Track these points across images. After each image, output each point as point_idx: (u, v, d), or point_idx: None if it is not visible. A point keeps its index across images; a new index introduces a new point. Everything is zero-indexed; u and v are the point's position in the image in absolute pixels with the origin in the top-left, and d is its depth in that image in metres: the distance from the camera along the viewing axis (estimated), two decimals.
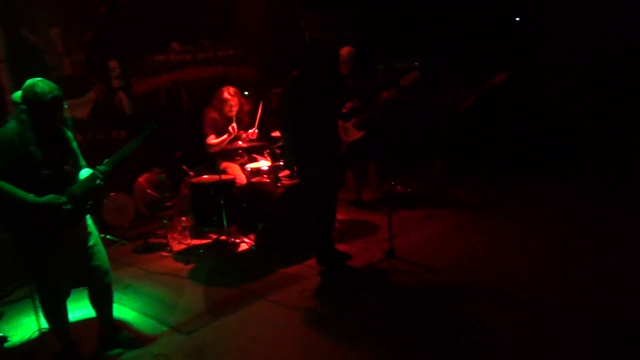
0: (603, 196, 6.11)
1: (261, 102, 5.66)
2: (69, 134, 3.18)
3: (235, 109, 5.55)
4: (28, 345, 3.62)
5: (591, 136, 7.66)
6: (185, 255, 5.16)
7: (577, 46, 7.72)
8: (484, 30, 7.75)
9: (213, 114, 5.54)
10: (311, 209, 4.49)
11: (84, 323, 3.85)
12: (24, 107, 2.91)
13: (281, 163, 5.30)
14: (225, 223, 5.05)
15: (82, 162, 3.28)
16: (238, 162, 5.77)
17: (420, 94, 6.03)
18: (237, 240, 5.32)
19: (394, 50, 7.71)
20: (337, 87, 4.51)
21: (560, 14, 7.88)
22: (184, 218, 5.78)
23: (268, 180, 5.30)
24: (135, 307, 4.11)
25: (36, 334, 3.65)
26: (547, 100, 8.15)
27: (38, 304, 3.28)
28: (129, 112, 6.47)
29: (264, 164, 5.59)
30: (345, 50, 5.75)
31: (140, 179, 6.01)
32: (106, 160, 3.10)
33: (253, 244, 5.24)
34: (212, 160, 5.43)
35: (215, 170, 5.19)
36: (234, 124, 5.46)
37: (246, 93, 5.97)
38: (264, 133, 5.72)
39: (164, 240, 5.46)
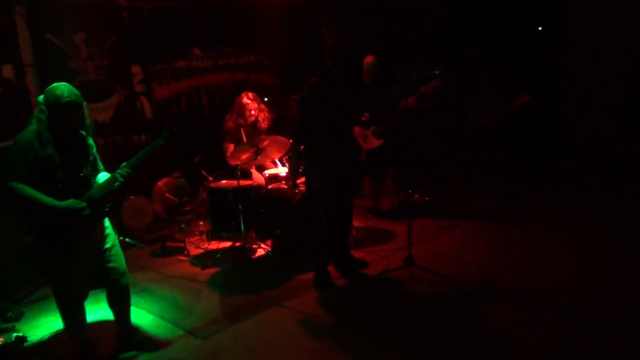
0: (627, 209, 5.98)
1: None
2: (90, 140, 3.21)
3: (255, 114, 5.58)
4: (46, 345, 3.66)
5: (617, 148, 7.51)
6: (202, 259, 5.18)
7: (604, 56, 7.60)
8: (508, 39, 7.70)
9: (233, 121, 5.58)
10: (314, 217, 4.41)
11: (102, 324, 3.88)
12: (43, 107, 2.96)
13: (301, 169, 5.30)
14: (242, 228, 5.06)
15: (101, 166, 3.32)
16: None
17: (442, 102, 6.00)
18: (254, 246, 5.33)
19: (415, 57, 7.69)
20: (356, 95, 4.34)
21: (588, 24, 7.76)
22: (201, 222, 5.81)
23: (286, 187, 5.30)
24: (151, 310, 4.13)
25: (54, 334, 3.69)
26: (573, 111, 8.04)
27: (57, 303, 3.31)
28: (150, 117, 6.54)
29: (282, 170, 5.60)
30: (368, 59, 5.77)
31: (160, 183, 6.07)
32: (124, 163, 3.12)
33: (270, 249, 5.24)
34: (231, 166, 5.46)
35: (234, 175, 5.21)
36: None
37: (266, 99, 6.00)
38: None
39: (182, 245, 5.50)
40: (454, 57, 7.59)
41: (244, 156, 5.04)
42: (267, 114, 5.68)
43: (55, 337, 3.69)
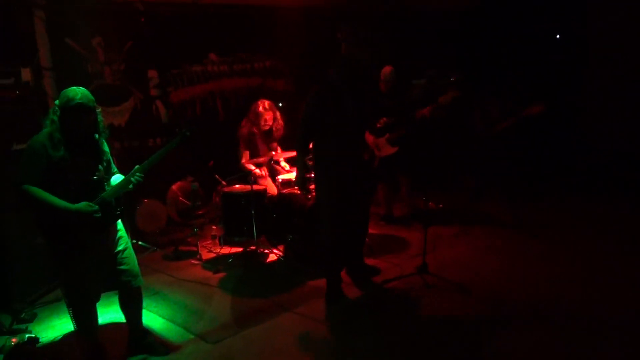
0: None
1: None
2: (104, 144, 3.24)
3: (269, 123, 5.60)
4: (57, 346, 3.68)
5: (637, 154, 7.37)
6: (214, 264, 5.18)
7: (624, 63, 7.48)
8: (525, 47, 7.64)
9: (248, 128, 5.60)
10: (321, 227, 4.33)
11: (113, 326, 3.90)
12: (57, 109, 2.99)
13: (312, 175, 5.29)
14: (255, 233, 5.06)
15: (115, 169, 3.34)
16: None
17: (455, 111, 5.95)
18: (267, 251, 5.32)
19: (431, 64, 7.67)
20: (363, 103, 4.10)
21: (607, 29, 7.65)
22: (214, 227, 5.82)
23: (299, 192, 5.30)
24: (162, 313, 4.14)
25: (65, 335, 3.71)
26: (590, 117, 7.92)
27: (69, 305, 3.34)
28: (165, 121, 6.58)
29: (295, 175, 5.59)
30: (386, 70, 5.78)
31: (174, 187, 6.10)
32: (137, 166, 3.14)
33: (282, 255, 5.23)
34: (244, 171, 5.49)
35: (247, 180, 5.22)
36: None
37: (280, 105, 6.02)
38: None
39: (194, 248, 5.51)
40: (470, 65, 7.55)
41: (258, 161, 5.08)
42: (281, 122, 5.69)
43: (67, 339, 3.71)
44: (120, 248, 3.29)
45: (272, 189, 5.59)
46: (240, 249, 5.42)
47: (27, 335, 3.69)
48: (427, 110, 5.43)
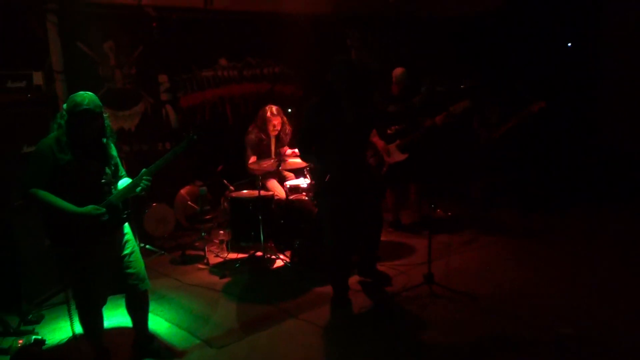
0: None
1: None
2: (112, 148, 3.25)
3: (278, 128, 5.61)
4: (63, 349, 3.68)
5: None
6: (221, 268, 5.18)
7: (636, 64, 7.41)
8: (532, 54, 7.60)
9: (255, 134, 5.61)
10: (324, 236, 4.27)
11: (119, 331, 3.90)
12: (64, 113, 3.01)
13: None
14: (262, 239, 5.05)
15: (122, 172, 3.35)
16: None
17: (464, 119, 5.94)
18: (273, 257, 5.32)
19: (440, 71, 7.65)
20: (363, 110, 3.95)
21: (624, 33, 7.58)
22: (222, 232, 5.82)
23: (306, 198, 5.30)
24: (168, 317, 4.14)
25: (71, 338, 3.72)
26: (604, 125, 7.85)
27: (74, 309, 3.34)
28: (175, 125, 6.61)
29: (303, 181, 5.60)
30: (397, 71, 5.76)
31: (182, 191, 6.12)
32: (144, 170, 3.14)
33: (289, 260, 5.22)
34: (252, 176, 5.48)
35: (255, 185, 5.22)
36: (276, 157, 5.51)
37: (289, 110, 6.02)
38: None
39: (202, 253, 5.51)
40: (480, 71, 7.52)
41: (265, 164, 5.06)
42: (289, 127, 5.70)
43: (72, 342, 3.71)
44: (127, 251, 3.30)
45: (280, 192, 5.59)
46: (247, 254, 5.41)
47: (33, 337, 3.71)
48: (439, 118, 5.41)
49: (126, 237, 3.32)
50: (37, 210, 3.06)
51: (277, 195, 5.48)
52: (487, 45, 7.83)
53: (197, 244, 5.84)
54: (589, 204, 6.75)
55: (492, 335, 3.63)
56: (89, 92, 3.04)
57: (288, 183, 5.64)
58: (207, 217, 5.74)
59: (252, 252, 5.39)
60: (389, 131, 5.70)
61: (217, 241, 5.91)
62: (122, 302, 3.45)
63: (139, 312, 3.49)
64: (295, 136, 5.57)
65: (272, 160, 5.09)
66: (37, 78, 5.08)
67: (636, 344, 3.43)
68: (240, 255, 5.44)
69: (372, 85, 5.76)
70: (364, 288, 4.51)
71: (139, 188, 3.13)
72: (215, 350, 3.61)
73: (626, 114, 7.56)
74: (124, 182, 3.26)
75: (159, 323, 4.03)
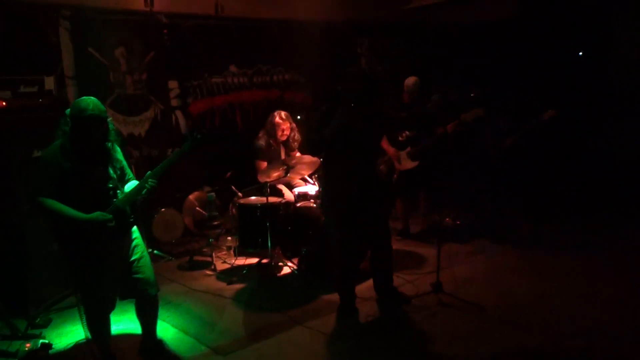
0: None
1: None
2: (118, 153, 3.26)
3: (286, 133, 5.61)
4: (70, 354, 3.69)
5: None
6: (228, 275, 5.18)
7: None
8: (543, 62, 7.57)
9: (265, 139, 5.61)
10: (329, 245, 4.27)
11: (126, 337, 3.89)
12: (68, 119, 3.02)
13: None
14: (269, 245, 5.05)
15: (130, 175, 3.36)
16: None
17: (475, 128, 5.91)
18: (280, 264, 5.30)
19: (450, 78, 7.63)
20: (374, 119, 3.93)
21: (633, 42, 7.53)
22: (229, 238, 5.82)
23: (314, 205, 5.28)
24: (175, 323, 4.13)
25: (79, 343, 3.72)
26: (615, 134, 7.78)
27: (82, 313, 3.34)
28: (185, 131, 6.63)
29: (311, 188, 5.59)
30: (410, 80, 5.76)
31: (191, 197, 6.12)
32: (149, 172, 3.15)
33: (296, 268, 5.20)
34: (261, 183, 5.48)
35: (263, 192, 5.22)
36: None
37: (299, 117, 6.03)
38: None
39: (209, 259, 5.51)
40: (490, 80, 7.49)
41: (275, 174, 5.05)
42: (297, 134, 5.70)
43: (79, 346, 3.72)
44: (136, 257, 3.30)
45: (290, 195, 5.58)
46: (254, 261, 5.41)
47: (40, 341, 3.70)
48: (450, 126, 5.39)
49: (135, 242, 3.33)
50: (45, 216, 3.07)
51: (287, 198, 5.47)
52: (498, 54, 7.81)
53: (204, 249, 5.84)
54: (599, 214, 6.69)
55: (501, 347, 3.59)
56: (92, 97, 3.04)
57: (296, 190, 5.63)
58: (215, 223, 5.74)
59: (259, 258, 5.38)
60: (400, 138, 5.69)
61: (224, 247, 5.90)
62: (129, 308, 3.46)
63: (148, 317, 3.49)
64: (305, 142, 5.57)
65: (281, 170, 5.08)
66: (49, 83, 5.13)
67: None
68: (248, 262, 5.44)
69: (383, 94, 5.74)
70: (371, 296, 4.48)
71: (145, 190, 3.13)
72: (222, 357, 3.60)
73: (637, 123, 7.50)
74: (130, 185, 3.26)
75: (165, 329, 4.03)
